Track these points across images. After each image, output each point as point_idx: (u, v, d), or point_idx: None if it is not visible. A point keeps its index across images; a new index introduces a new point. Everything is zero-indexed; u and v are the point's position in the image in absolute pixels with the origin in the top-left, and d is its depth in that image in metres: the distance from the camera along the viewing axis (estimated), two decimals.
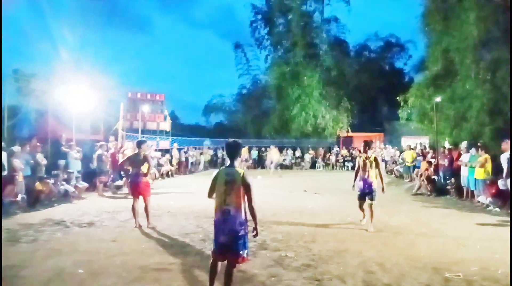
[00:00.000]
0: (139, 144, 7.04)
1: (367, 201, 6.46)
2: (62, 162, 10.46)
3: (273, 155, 18.82)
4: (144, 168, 6.68)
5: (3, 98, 9.77)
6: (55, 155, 10.93)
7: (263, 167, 22.55)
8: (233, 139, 3.68)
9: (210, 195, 3.60)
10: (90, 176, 11.26)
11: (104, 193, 11.03)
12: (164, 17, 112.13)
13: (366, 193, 6.47)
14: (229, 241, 3.38)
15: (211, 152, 24.58)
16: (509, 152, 8.46)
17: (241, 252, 3.39)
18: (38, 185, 8.85)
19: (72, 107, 12.33)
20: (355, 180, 6.81)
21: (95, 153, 11.36)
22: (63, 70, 13.50)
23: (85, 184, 10.67)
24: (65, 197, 9.56)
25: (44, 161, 9.84)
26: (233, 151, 3.58)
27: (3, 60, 8.87)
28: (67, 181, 9.96)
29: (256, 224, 3.49)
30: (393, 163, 18.83)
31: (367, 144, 6.72)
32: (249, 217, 3.50)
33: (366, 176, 6.48)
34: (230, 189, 3.40)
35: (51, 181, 9.31)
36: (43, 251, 5.17)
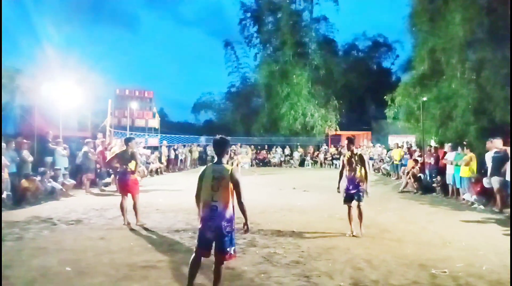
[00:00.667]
0: (127, 141, 6.94)
1: (354, 202, 6.04)
2: (49, 159, 10.32)
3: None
4: (131, 166, 6.61)
5: None
6: (41, 152, 10.78)
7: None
8: (220, 136, 3.63)
9: (197, 196, 3.59)
10: (77, 173, 11.12)
11: (91, 190, 10.91)
12: (151, 13, 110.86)
13: (353, 194, 6.03)
14: (215, 237, 3.38)
15: (200, 149, 24.51)
16: (493, 150, 8.64)
17: (228, 249, 3.39)
18: (24, 182, 8.70)
19: (59, 103, 12.14)
20: (340, 180, 6.30)
21: (81, 150, 11.22)
22: (49, 66, 13.25)
23: (73, 181, 10.55)
24: (52, 194, 9.44)
25: (30, 158, 9.68)
26: (221, 148, 3.55)
27: None
28: (54, 178, 9.82)
29: (246, 220, 3.51)
30: (380, 161, 19.06)
31: (351, 141, 6.28)
32: (238, 214, 3.49)
33: (352, 175, 6.04)
34: (217, 185, 3.38)
35: (38, 178, 9.17)
36: (29, 249, 5.09)
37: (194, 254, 3.54)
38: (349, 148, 6.24)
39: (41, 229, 6.25)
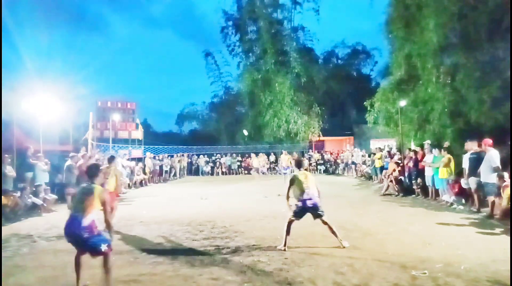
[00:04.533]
0: (110, 160, 7.59)
1: (317, 219, 5.73)
2: (29, 174, 10.11)
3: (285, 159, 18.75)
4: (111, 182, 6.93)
5: None
6: (21, 167, 10.55)
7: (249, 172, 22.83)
8: (94, 163, 4.43)
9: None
10: (60, 188, 10.94)
11: None
12: (128, 21, 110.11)
13: (314, 210, 5.64)
14: (76, 241, 4.04)
15: (187, 159, 24.43)
16: (470, 152, 8.91)
17: (100, 247, 3.96)
18: (3, 199, 8.49)
19: (39, 117, 11.95)
20: (288, 199, 5.91)
21: (65, 164, 11.05)
22: (28, 79, 13.06)
23: (54, 196, 10.35)
24: (33, 210, 9.23)
25: (11, 173, 9.47)
26: (93, 173, 4.28)
27: None
28: (35, 194, 9.62)
29: (110, 231, 4.20)
30: (363, 163, 19.36)
31: (299, 162, 6.28)
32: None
33: (307, 193, 5.63)
34: (83, 199, 4.03)
35: (17, 194, 8.97)
36: (5, 268, 4.97)
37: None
38: (299, 168, 6.16)
39: (20, 247, 6.11)
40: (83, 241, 3.96)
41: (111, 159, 7.70)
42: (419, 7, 13.16)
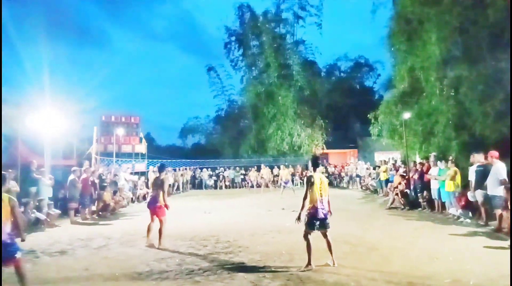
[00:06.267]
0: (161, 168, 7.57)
1: (321, 231, 5.42)
2: (33, 189, 10.11)
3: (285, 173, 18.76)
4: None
5: None
6: (25, 182, 10.56)
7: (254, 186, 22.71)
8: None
9: None
10: (63, 203, 10.93)
11: (77, 219, 10.69)
12: (133, 37, 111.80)
13: (323, 220, 5.34)
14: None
15: (190, 173, 24.42)
16: (476, 164, 8.83)
17: (15, 255, 4.18)
18: None
19: (43, 132, 12.02)
20: (302, 208, 5.37)
21: (68, 178, 11.07)
22: (33, 94, 13.18)
23: (58, 211, 10.34)
24: (36, 225, 9.21)
25: (15, 188, 9.47)
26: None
27: None
28: (39, 208, 9.61)
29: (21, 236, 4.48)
30: (369, 176, 19.22)
31: (316, 160, 5.71)
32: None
33: (321, 201, 5.31)
34: None
35: (21, 209, 8.95)
36: (8, 285, 4.92)
37: None
38: (315, 169, 5.57)
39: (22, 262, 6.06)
40: (5, 246, 4.11)
41: (162, 168, 7.60)
42: (420, 21, 13.27)
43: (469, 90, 11.55)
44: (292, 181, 23.62)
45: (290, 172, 20.85)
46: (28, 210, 9.19)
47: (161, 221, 7.14)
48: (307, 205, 5.32)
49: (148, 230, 7.20)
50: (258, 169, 25.25)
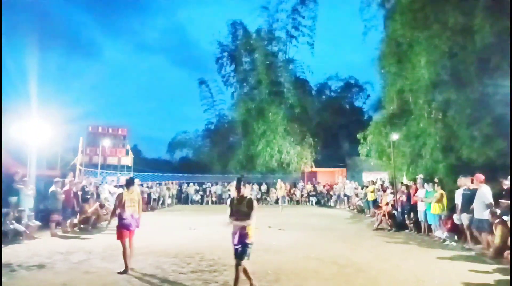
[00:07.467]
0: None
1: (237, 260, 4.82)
2: (13, 199, 9.79)
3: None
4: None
5: None
6: (5, 192, 10.23)
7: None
8: None
9: None
10: (44, 214, 10.60)
11: (57, 232, 10.36)
12: (124, 48, 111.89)
13: (237, 247, 4.83)
14: None
15: (176, 187, 24.09)
16: (463, 188, 8.89)
17: None
18: None
19: (28, 141, 11.74)
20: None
21: (49, 189, 10.77)
22: (17, 102, 12.90)
23: (38, 223, 10.00)
24: (15, 237, 8.88)
25: None
26: None
27: None
28: (18, 219, 9.29)
29: None
30: (356, 196, 19.22)
31: (240, 181, 4.89)
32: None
33: (240, 225, 4.75)
34: None
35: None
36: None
37: None
38: (239, 189, 4.86)
39: None
40: None
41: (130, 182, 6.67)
42: (410, 44, 13.59)
43: (457, 114, 11.77)
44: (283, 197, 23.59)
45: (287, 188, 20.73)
46: (7, 221, 8.87)
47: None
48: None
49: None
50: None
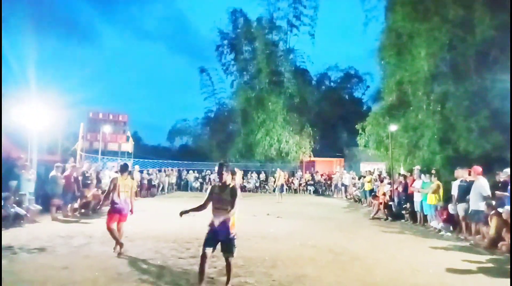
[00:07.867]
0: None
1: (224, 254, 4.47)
2: (13, 183, 9.86)
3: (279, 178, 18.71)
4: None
5: None
6: (5, 176, 10.31)
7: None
8: None
9: None
10: (45, 199, 10.70)
11: (58, 216, 10.47)
12: (123, 34, 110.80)
13: (222, 241, 4.42)
14: None
15: (176, 174, 24.21)
16: (459, 179, 9.01)
17: None
18: None
19: (28, 126, 11.78)
20: (192, 210, 4.79)
21: (50, 174, 10.85)
22: (17, 87, 12.91)
23: (39, 207, 10.11)
24: (16, 220, 8.98)
25: None
26: None
27: None
28: (19, 203, 9.38)
29: None
30: (353, 186, 19.40)
31: (222, 167, 4.47)
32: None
33: (223, 215, 4.36)
34: None
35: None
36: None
37: None
38: (221, 177, 4.49)
39: None
40: None
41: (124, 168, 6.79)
42: (410, 36, 13.55)
43: (455, 106, 11.83)
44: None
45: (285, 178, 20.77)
46: (8, 204, 8.96)
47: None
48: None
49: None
50: (246, 174, 25.19)
